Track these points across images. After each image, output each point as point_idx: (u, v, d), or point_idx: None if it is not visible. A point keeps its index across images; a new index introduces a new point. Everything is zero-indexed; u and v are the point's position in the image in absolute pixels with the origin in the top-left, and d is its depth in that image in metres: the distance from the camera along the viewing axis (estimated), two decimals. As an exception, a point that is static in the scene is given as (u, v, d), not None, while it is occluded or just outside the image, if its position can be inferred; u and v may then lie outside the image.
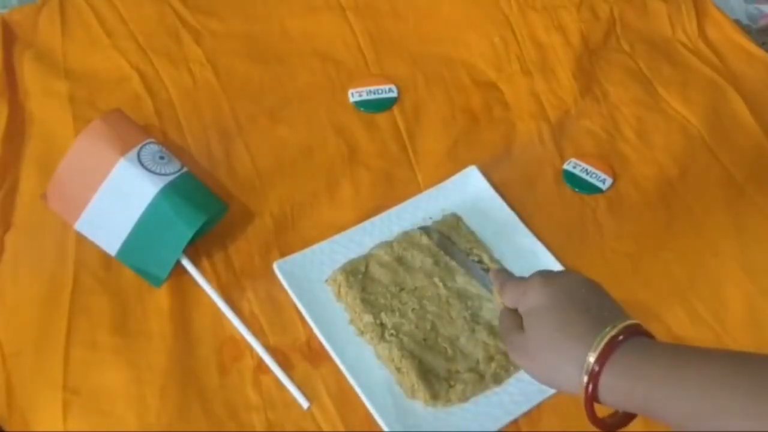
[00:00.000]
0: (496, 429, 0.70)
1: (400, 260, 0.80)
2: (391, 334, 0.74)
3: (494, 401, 0.72)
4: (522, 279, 0.63)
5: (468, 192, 0.87)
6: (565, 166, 0.91)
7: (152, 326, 0.76)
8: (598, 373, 0.53)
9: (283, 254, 0.81)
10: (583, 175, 0.90)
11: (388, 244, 0.81)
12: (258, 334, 0.76)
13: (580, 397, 0.54)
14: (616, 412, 0.56)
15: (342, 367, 0.73)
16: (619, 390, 0.53)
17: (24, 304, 0.77)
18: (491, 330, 0.75)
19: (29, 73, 0.97)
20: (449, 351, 0.74)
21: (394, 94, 0.98)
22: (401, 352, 0.73)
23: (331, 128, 0.94)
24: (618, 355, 0.53)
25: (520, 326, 0.60)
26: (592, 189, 0.89)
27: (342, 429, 0.71)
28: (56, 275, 0.79)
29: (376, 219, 0.84)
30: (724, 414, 0.47)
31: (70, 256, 0.80)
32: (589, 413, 0.54)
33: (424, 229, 0.82)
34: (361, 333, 0.75)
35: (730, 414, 0.47)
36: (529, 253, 0.81)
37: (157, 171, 0.80)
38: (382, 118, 0.96)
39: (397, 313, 0.76)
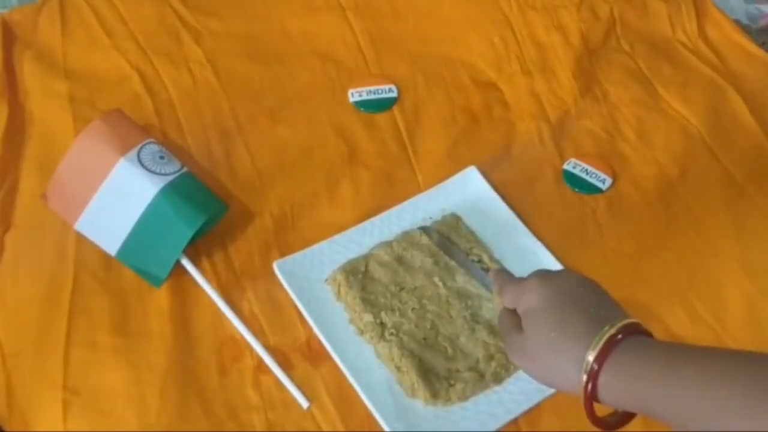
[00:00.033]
0: (496, 428, 0.70)
1: (399, 260, 0.80)
2: (391, 334, 0.74)
3: (494, 400, 0.72)
4: (521, 279, 0.63)
5: (468, 192, 0.87)
6: (565, 166, 0.91)
7: (152, 326, 0.76)
8: (597, 372, 0.53)
9: (283, 254, 0.81)
10: (583, 175, 0.90)
11: (387, 244, 0.81)
12: (258, 334, 0.76)
13: (580, 396, 0.54)
14: (615, 412, 0.56)
15: (342, 367, 0.73)
16: (618, 389, 0.53)
17: (24, 304, 0.77)
18: (491, 329, 0.75)
19: (29, 73, 0.97)
20: (449, 350, 0.74)
21: (394, 94, 0.98)
22: (401, 351, 0.73)
23: (331, 128, 0.94)
24: (617, 354, 0.53)
25: (519, 327, 0.60)
26: (592, 189, 0.89)
27: (342, 429, 0.71)
28: (56, 275, 0.79)
29: (376, 219, 0.84)
30: (723, 413, 0.47)
31: (70, 256, 0.80)
32: (589, 412, 0.54)
33: (424, 229, 0.82)
34: (361, 332, 0.75)
35: (729, 413, 0.47)
36: (529, 253, 0.81)
37: (157, 171, 0.80)
38: (382, 118, 0.96)
39: (397, 313, 0.76)
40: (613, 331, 0.54)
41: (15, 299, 0.78)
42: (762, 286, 0.81)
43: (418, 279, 0.78)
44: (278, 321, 0.77)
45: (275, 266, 0.79)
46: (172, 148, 0.86)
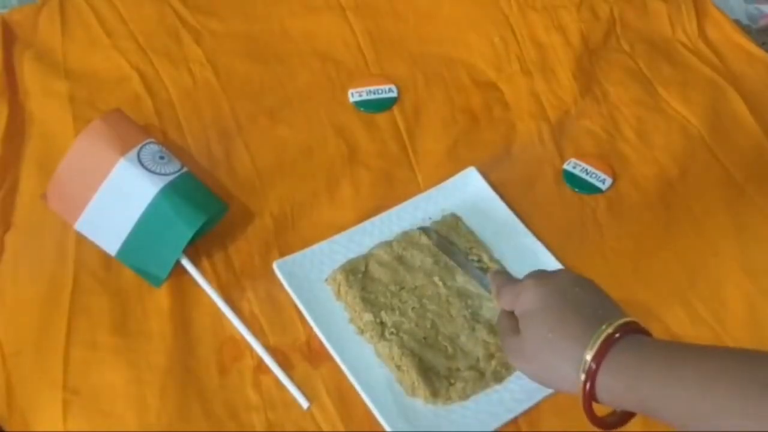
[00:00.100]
0: (496, 427, 0.70)
1: (399, 259, 0.80)
2: (391, 333, 0.74)
3: (495, 399, 0.72)
4: (517, 281, 0.63)
5: (468, 192, 0.87)
6: (565, 166, 0.91)
7: (152, 326, 0.76)
8: (596, 371, 0.53)
9: (283, 254, 0.81)
10: (583, 175, 0.90)
11: (387, 244, 0.81)
12: (258, 334, 0.76)
13: (579, 396, 0.54)
14: (614, 411, 0.56)
15: (342, 366, 0.73)
16: (616, 388, 0.53)
17: (24, 304, 0.77)
18: (491, 328, 0.75)
19: (29, 73, 0.97)
20: (449, 349, 0.74)
21: (394, 94, 0.98)
22: (401, 350, 0.73)
23: (331, 128, 0.94)
24: (615, 353, 0.53)
25: (517, 329, 0.60)
26: (592, 189, 0.89)
27: (342, 429, 0.70)
28: (56, 275, 0.79)
29: (376, 219, 0.84)
30: (722, 412, 0.47)
31: (70, 256, 0.80)
32: (588, 412, 0.54)
33: (423, 230, 0.82)
34: (361, 332, 0.75)
35: (728, 412, 0.47)
36: (529, 254, 0.81)
37: (157, 171, 0.80)
38: (382, 118, 0.96)
39: (397, 312, 0.76)
40: (610, 330, 0.54)
41: (15, 299, 0.78)
42: (762, 286, 0.81)
43: (418, 278, 0.78)
44: (278, 321, 0.77)
45: (275, 266, 0.79)
46: (172, 148, 0.86)
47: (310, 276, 0.79)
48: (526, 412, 0.71)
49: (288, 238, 0.83)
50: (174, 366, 0.73)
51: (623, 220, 0.87)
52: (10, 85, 0.95)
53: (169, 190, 0.79)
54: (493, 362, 0.73)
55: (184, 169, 0.82)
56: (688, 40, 1.06)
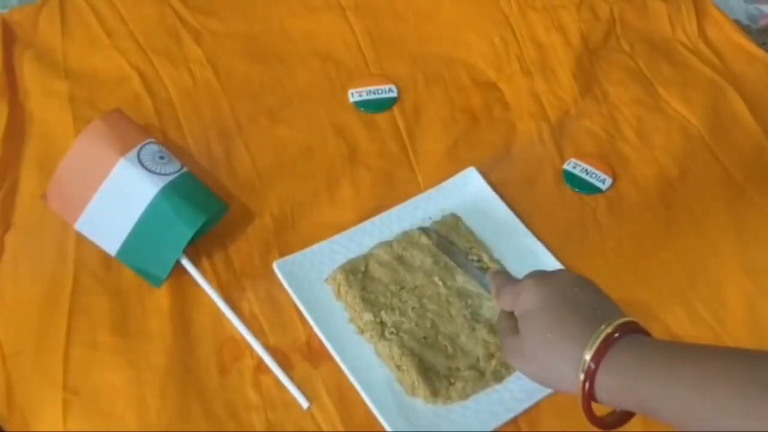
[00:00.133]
0: (496, 426, 0.70)
1: (399, 259, 0.80)
2: (391, 333, 0.74)
3: (495, 398, 0.72)
4: (517, 281, 0.63)
5: (468, 192, 0.87)
6: (565, 166, 0.91)
7: (152, 326, 0.76)
8: (595, 371, 0.53)
9: (283, 254, 0.81)
10: (583, 175, 0.90)
11: (387, 244, 0.81)
12: (258, 334, 0.76)
13: (578, 396, 0.54)
14: (614, 411, 0.56)
15: (342, 366, 0.73)
16: (616, 388, 0.53)
17: (24, 304, 0.77)
18: (491, 328, 0.75)
19: (29, 73, 0.97)
20: (449, 349, 0.74)
21: (394, 94, 0.98)
22: (401, 350, 0.73)
23: (331, 128, 0.94)
24: (614, 353, 0.53)
25: (516, 329, 0.60)
26: (592, 189, 0.89)
27: (342, 429, 0.70)
28: (56, 275, 0.79)
29: (376, 219, 0.84)
30: (722, 412, 0.47)
31: (70, 256, 0.80)
32: (587, 412, 0.54)
33: (423, 230, 0.82)
34: (361, 331, 0.75)
35: (728, 412, 0.47)
36: (529, 254, 0.81)
37: (157, 171, 0.80)
38: (382, 118, 0.96)
39: (397, 312, 0.76)
40: (609, 329, 0.54)
41: (15, 299, 0.78)
42: (762, 286, 0.81)
43: (418, 278, 0.78)
44: (278, 321, 0.77)
45: (275, 266, 0.79)
46: (172, 148, 0.86)
47: (310, 276, 0.79)
48: (526, 412, 0.71)
49: (288, 238, 0.83)
50: (174, 366, 0.73)
51: (623, 220, 0.87)
52: (10, 85, 0.95)
53: (169, 190, 0.79)
54: (493, 362, 0.73)
55: (184, 169, 0.82)
56: (688, 40, 1.06)
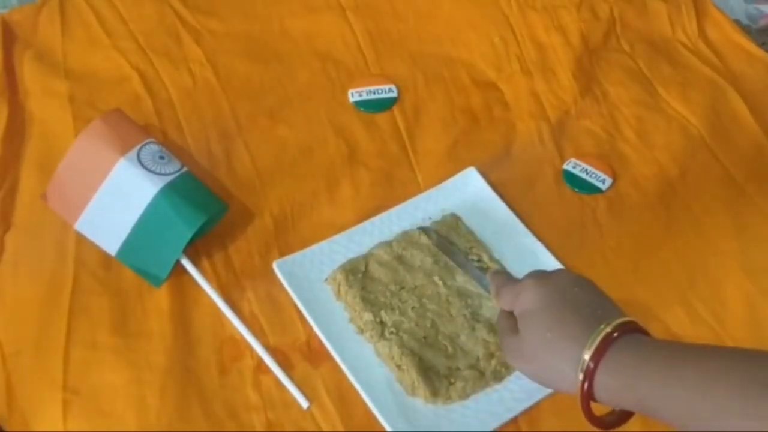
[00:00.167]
0: (496, 426, 0.70)
1: (399, 259, 0.80)
2: (391, 332, 0.74)
3: (495, 398, 0.72)
4: (517, 281, 0.63)
5: (468, 192, 0.87)
6: (565, 166, 0.91)
7: (152, 326, 0.76)
8: (594, 370, 0.53)
9: (283, 254, 0.81)
10: (583, 175, 0.90)
11: (387, 244, 0.81)
12: (258, 334, 0.76)
13: (578, 396, 0.54)
14: (613, 411, 0.56)
15: (342, 366, 0.73)
16: (615, 387, 0.53)
17: (24, 304, 0.77)
18: (491, 328, 0.75)
19: (29, 73, 0.97)
20: (449, 348, 0.74)
21: (394, 94, 0.98)
22: (401, 349, 0.73)
23: (331, 128, 0.94)
24: (613, 353, 0.53)
25: (516, 329, 0.60)
26: (592, 189, 0.89)
27: (342, 429, 0.70)
28: (56, 275, 0.79)
29: (376, 219, 0.84)
30: (722, 412, 0.47)
31: (70, 256, 0.80)
32: (586, 411, 0.54)
33: (423, 230, 0.82)
34: (361, 331, 0.75)
35: (728, 412, 0.47)
36: (529, 254, 0.81)
37: (157, 171, 0.80)
38: (382, 118, 0.96)
39: (397, 311, 0.76)
40: (608, 329, 0.54)
41: (15, 299, 0.78)
42: (762, 286, 0.81)
43: (418, 278, 0.78)
44: (278, 321, 0.77)
45: (275, 266, 0.79)
46: (172, 148, 0.86)
47: (310, 276, 0.79)
48: (526, 412, 0.71)
49: (288, 238, 0.83)
50: (174, 366, 0.73)
51: (623, 220, 0.87)
52: (10, 85, 0.95)
53: (169, 190, 0.79)
54: (493, 361, 0.73)
55: (184, 169, 0.82)
56: (688, 40, 1.06)
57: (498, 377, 0.73)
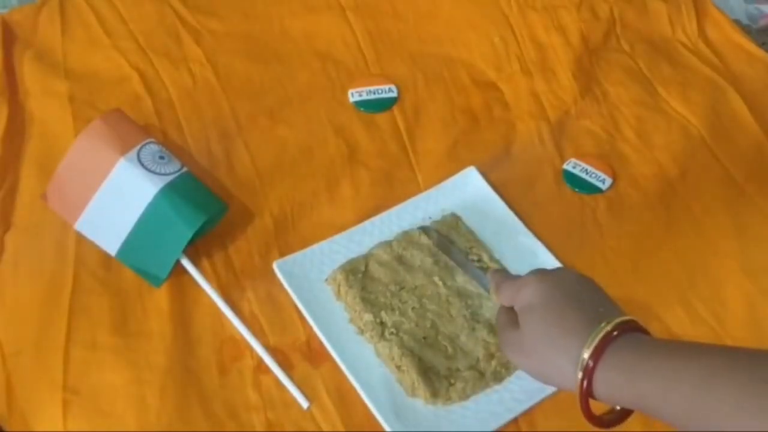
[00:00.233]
0: (496, 427, 0.70)
1: (399, 259, 0.80)
2: (391, 333, 0.74)
3: (495, 399, 0.72)
4: (518, 277, 0.63)
5: (468, 192, 0.87)
6: (565, 166, 0.91)
7: (152, 326, 0.76)
8: (593, 368, 0.53)
9: (283, 254, 0.81)
10: (583, 175, 0.90)
11: (387, 244, 0.81)
12: (258, 334, 0.76)
13: (576, 393, 0.54)
14: (612, 409, 0.56)
15: (342, 366, 0.73)
16: (614, 386, 0.53)
17: (24, 304, 0.77)
18: (491, 328, 0.75)
19: (29, 73, 0.97)
20: (449, 349, 0.74)
21: (394, 94, 0.98)
22: (401, 350, 0.73)
23: (331, 128, 0.94)
24: (612, 351, 0.53)
25: (516, 323, 0.60)
26: (592, 189, 0.89)
27: (342, 429, 0.70)
28: (56, 275, 0.79)
29: (376, 219, 0.84)
30: (721, 411, 0.47)
31: (70, 256, 0.80)
32: (585, 410, 0.54)
33: (423, 229, 0.82)
34: (361, 332, 0.75)
35: (727, 411, 0.47)
36: (529, 253, 0.81)
37: (157, 171, 0.80)
38: (382, 118, 0.96)
39: (397, 312, 0.76)
40: (609, 327, 0.54)
41: (15, 299, 0.78)
42: (762, 286, 0.81)
43: (418, 278, 0.78)
44: (278, 321, 0.77)
45: (275, 266, 0.79)
46: (172, 148, 0.86)
47: (310, 276, 0.79)
48: (526, 412, 0.71)
49: (288, 238, 0.83)
50: (174, 366, 0.73)
51: (623, 220, 0.87)
52: (10, 85, 0.95)
53: (169, 190, 0.79)
54: (493, 362, 0.73)
55: (184, 169, 0.82)
56: (688, 40, 1.06)
57: (498, 378, 0.73)
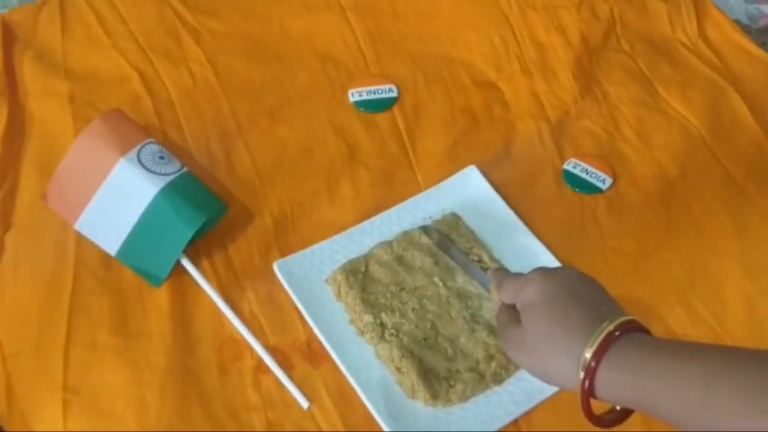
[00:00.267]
0: (496, 429, 0.70)
1: (399, 260, 0.80)
2: (391, 334, 0.74)
3: (494, 401, 0.72)
4: (520, 275, 0.63)
5: (468, 191, 0.87)
6: (565, 166, 0.91)
7: (152, 326, 0.76)
8: (595, 368, 0.53)
9: (283, 254, 0.81)
10: (583, 175, 0.90)
11: (387, 244, 0.81)
12: (258, 334, 0.76)
13: (577, 393, 0.54)
14: (613, 409, 0.56)
15: (342, 367, 0.73)
16: (615, 386, 0.53)
17: (24, 304, 0.77)
18: (491, 329, 0.75)
19: (29, 73, 0.97)
20: (449, 350, 0.74)
21: (394, 94, 0.98)
22: (401, 351, 0.73)
23: (331, 128, 0.94)
24: (614, 351, 0.53)
25: (517, 321, 0.60)
26: (592, 189, 0.89)
27: (342, 429, 0.71)
28: (56, 275, 0.79)
29: (376, 219, 0.84)
30: (721, 411, 0.47)
31: (70, 256, 0.80)
32: (586, 409, 0.54)
33: (424, 229, 0.82)
34: (361, 333, 0.75)
35: (728, 411, 0.47)
36: (529, 253, 0.81)
37: (157, 171, 0.80)
38: (382, 118, 0.96)
39: (397, 313, 0.76)
40: (611, 327, 0.54)
41: (15, 299, 0.78)
42: (762, 286, 0.81)
43: (418, 279, 0.78)
44: (278, 321, 0.77)
45: (275, 266, 0.79)
46: (172, 148, 0.86)
47: (310, 276, 0.79)
48: (526, 414, 0.71)
49: (288, 238, 0.83)
50: (174, 366, 0.73)
51: (623, 220, 0.87)
52: (10, 85, 0.95)
53: (169, 190, 0.79)
54: (493, 364, 0.73)
55: (184, 169, 0.82)
56: (688, 40, 1.06)
57: (498, 380, 0.73)
